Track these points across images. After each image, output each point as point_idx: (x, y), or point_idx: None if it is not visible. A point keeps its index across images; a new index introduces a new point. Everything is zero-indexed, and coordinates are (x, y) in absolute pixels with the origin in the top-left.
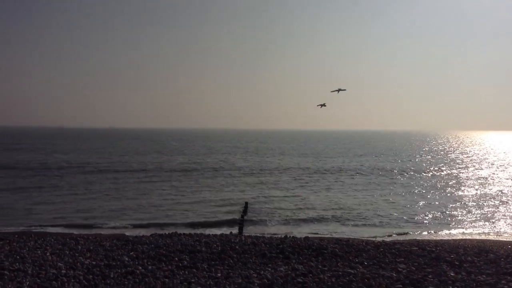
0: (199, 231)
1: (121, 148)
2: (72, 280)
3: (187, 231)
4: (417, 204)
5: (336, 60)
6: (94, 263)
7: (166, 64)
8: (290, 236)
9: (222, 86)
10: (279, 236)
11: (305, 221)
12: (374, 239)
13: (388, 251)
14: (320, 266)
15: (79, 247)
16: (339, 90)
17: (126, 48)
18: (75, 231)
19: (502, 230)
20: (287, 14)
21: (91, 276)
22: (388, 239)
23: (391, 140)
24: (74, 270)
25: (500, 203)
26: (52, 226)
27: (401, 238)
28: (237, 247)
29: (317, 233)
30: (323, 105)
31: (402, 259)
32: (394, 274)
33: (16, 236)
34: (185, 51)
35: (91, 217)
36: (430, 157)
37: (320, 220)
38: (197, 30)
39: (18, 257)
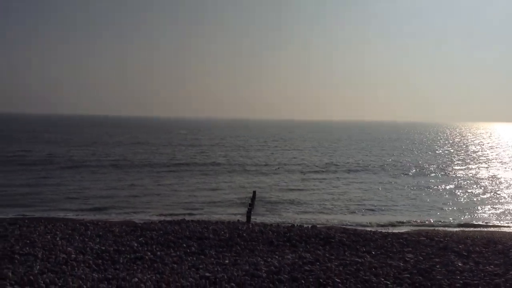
0: (206, 218)
1: (131, 138)
2: (82, 265)
3: (195, 218)
4: (427, 196)
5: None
6: (103, 248)
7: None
8: (297, 225)
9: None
10: (286, 224)
11: (312, 211)
12: (382, 229)
13: (395, 241)
14: (327, 255)
15: (89, 232)
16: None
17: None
18: (85, 217)
19: None
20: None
21: (100, 261)
22: (396, 230)
23: (404, 132)
24: (83, 255)
25: None
26: (61, 210)
27: (409, 228)
28: (244, 234)
29: (325, 223)
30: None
31: (410, 249)
32: (402, 264)
33: (26, 221)
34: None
35: (101, 204)
36: (448, 149)
37: (328, 210)
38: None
39: (28, 241)
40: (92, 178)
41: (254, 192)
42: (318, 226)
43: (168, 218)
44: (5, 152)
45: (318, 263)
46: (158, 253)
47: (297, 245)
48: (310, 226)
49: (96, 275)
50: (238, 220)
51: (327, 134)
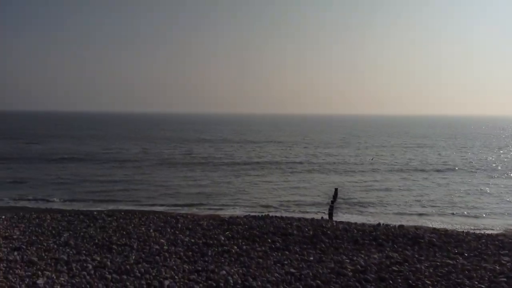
0: (290, 214)
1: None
2: (174, 256)
3: (278, 214)
4: None
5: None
6: (193, 240)
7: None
8: (383, 224)
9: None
10: (372, 223)
11: (399, 210)
12: (475, 230)
13: (490, 242)
14: (416, 255)
15: (179, 225)
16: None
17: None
18: (174, 211)
19: None
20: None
21: (190, 253)
22: (490, 231)
23: (502, 127)
24: (175, 246)
25: None
26: (154, 205)
27: (505, 230)
28: (328, 232)
29: (412, 223)
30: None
31: (506, 252)
32: (498, 267)
33: (122, 213)
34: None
35: (189, 199)
36: None
37: (415, 210)
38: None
39: (124, 232)
40: (181, 174)
41: (336, 190)
42: (405, 225)
43: (252, 214)
44: (103, 149)
45: (406, 264)
46: (244, 247)
47: (384, 244)
48: (397, 225)
49: (187, 267)
50: (322, 217)
51: (413, 129)
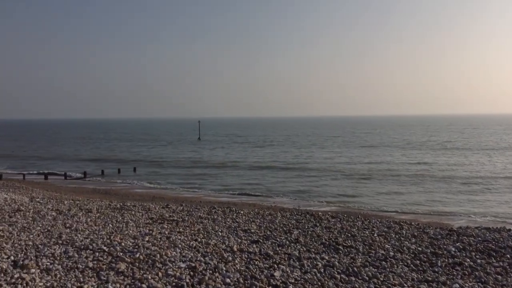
0: None
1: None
2: (400, 263)
3: None
4: None
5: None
6: (420, 249)
7: None
8: None
9: None
10: None
11: None
12: None
13: None
14: None
15: (404, 231)
16: None
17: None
18: (394, 216)
19: None
20: None
21: (418, 262)
22: None
23: None
24: (401, 253)
25: None
26: (372, 210)
27: None
28: None
29: None
30: None
31: None
32: None
33: (345, 215)
34: None
35: (409, 205)
36: None
37: None
38: None
39: (349, 235)
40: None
41: None
42: None
43: (485, 225)
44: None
45: None
46: (478, 260)
47: None
48: None
49: (415, 275)
50: None
51: None
